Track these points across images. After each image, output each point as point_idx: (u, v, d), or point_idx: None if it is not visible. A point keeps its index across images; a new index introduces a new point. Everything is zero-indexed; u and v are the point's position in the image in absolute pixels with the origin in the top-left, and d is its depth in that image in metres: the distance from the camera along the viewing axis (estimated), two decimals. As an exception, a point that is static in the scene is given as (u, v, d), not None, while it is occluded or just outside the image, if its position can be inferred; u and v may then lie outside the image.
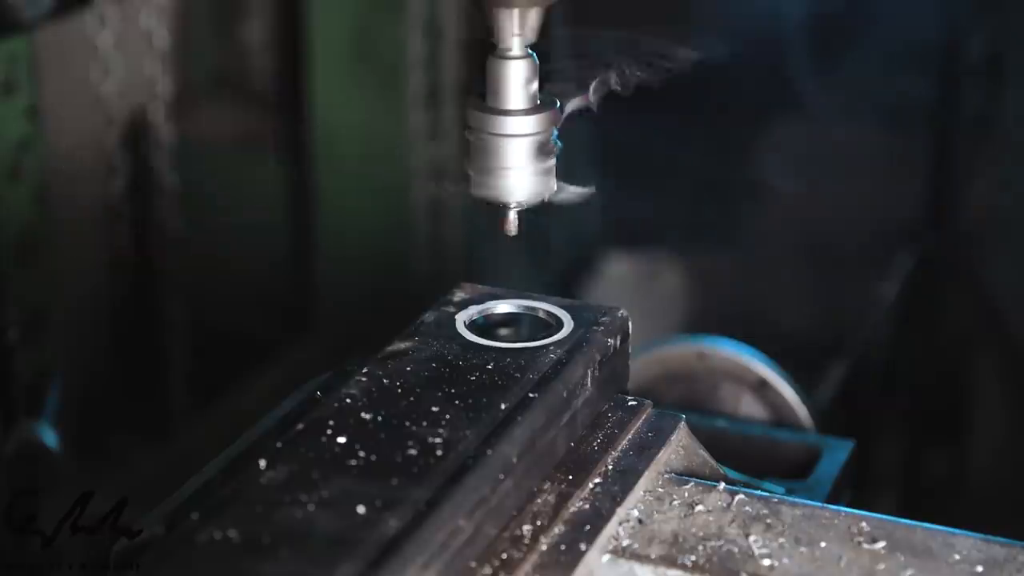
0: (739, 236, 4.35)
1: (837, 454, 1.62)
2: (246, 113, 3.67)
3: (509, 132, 1.35)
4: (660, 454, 1.32)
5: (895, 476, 3.65)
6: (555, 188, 1.38)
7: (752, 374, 1.75)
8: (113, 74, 3.02)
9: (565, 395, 1.29)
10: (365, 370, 1.29)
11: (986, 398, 3.73)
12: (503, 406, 1.24)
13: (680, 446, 1.35)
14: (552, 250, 3.94)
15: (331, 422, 1.22)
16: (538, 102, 1.36)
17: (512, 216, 1.39)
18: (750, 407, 1.75)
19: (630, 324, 1.41)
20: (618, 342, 1.39)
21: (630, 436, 1.34)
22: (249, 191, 3.61)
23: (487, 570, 1.15)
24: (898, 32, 4.14)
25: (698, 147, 4.29)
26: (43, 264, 2.75)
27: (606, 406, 1.37)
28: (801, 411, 1.75)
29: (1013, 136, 3.65)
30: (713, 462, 1.37)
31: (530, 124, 1.35)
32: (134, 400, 3.23)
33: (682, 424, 1.36)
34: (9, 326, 2.65)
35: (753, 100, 4.29)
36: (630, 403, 1.38)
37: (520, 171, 1.36)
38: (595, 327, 1.38)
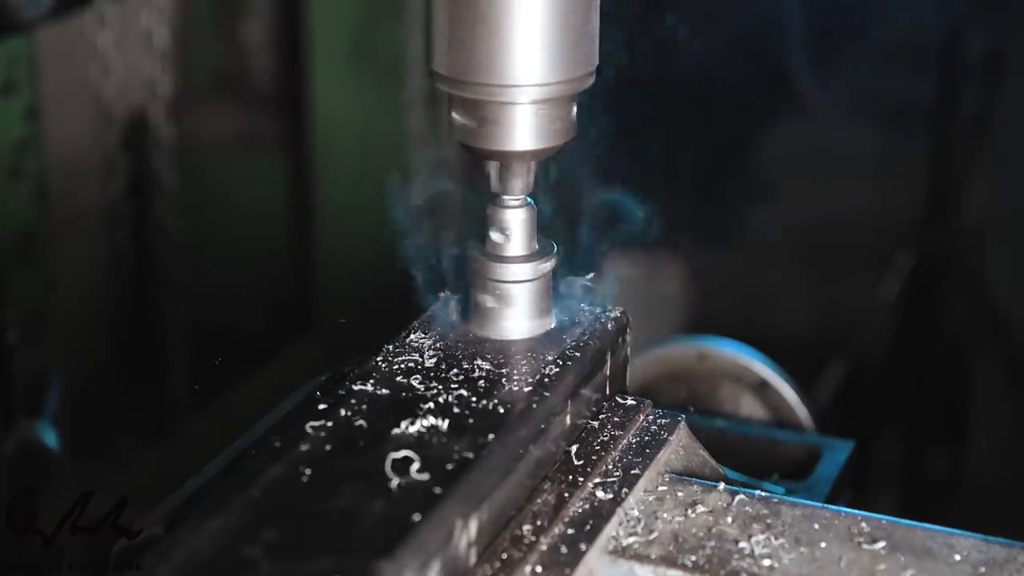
0: (739, 236, 4.35)
1: (837, 454, 1.62)
2: (246, 113, 3.67)
3: None
4: (660, 454, 1.31)
5: (895, 476, 3.65)
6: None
7: (752, 374, 1.75)
8: (113, 74, 3.02)
9: (564, 395, 1.29)
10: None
11: (986, 398, 3.72)
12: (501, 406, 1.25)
13: (680, 446, 1.35)
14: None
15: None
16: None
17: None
18: (750, 407, 1.75)
19: (629, 324, 1.41)
20: (619, 342, 1.39)
21: (630, 436, 1.33)
22: (249, 191, 3.61)
23: (487, 570, 1.15)
24: (898, 32, 4.14)
25: (698, 147, 4.28)
26: (43, 264, 2.75)
27: (606, 406, 1.37)
28: (801, 411, 1.75)
29: (1013, 136, 3.65)
30: (713, 462, 1.37)
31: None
32: (134, 400, 3.23)
33: (682, 424, 1.36)
34: (9, 326, 2.65)
35: (753, 100, 4.29)
36: (630, 403, 1.38)
37: None
38: (595, 327, 1.38)
